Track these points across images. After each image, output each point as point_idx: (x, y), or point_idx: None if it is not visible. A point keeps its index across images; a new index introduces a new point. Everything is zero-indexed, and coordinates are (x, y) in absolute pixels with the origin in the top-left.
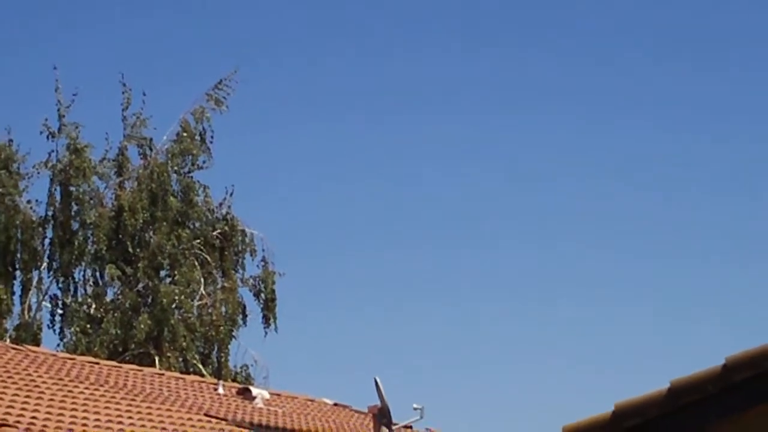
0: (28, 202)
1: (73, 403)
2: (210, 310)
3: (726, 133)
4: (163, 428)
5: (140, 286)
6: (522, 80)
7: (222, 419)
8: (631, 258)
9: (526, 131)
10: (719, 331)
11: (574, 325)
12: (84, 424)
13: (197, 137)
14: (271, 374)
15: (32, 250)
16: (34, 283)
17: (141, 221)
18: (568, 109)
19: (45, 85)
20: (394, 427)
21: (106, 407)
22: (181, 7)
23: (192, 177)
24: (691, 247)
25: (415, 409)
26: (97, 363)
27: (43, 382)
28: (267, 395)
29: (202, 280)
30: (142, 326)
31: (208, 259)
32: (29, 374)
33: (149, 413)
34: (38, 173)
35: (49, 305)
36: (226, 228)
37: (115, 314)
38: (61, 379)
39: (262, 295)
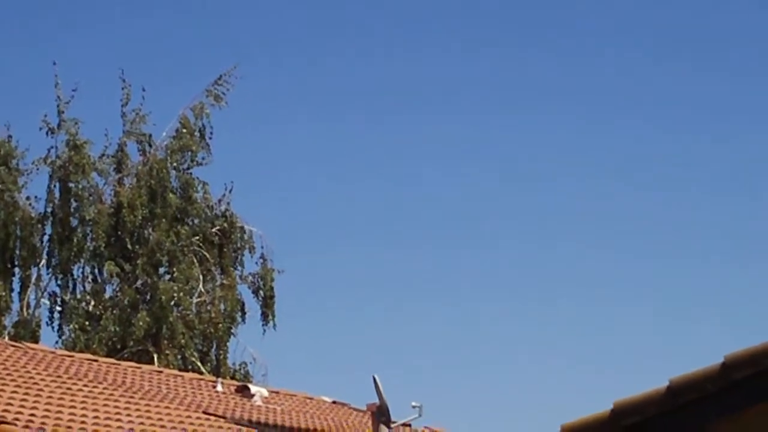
0: (27, 198)
1: (71, 400)
2: (209, 308)
3: (726, 133)
4: (162, 426)
5: (139, 283)
6: (522, 80)
7: (221, 417)
8: (631, 258)
9: (526, 131)
10: (719, 331)
11: (574, 325)
12: (82, 422)
13: (196, 133)
14: (270, 372)
15: (31, 246)
16: (33, 279)
17: (140, 218)
18: (568, 109)
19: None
20: (392, 425)
21: (105, 404)
22: (181, 6)
23: (191, 173)
24: (691, 247)
25: (414, 407)
26: (96, 360)
27: (42, 380)
28: (266, 393)
29: (201, 277)
30: (141, 323)
31: (207, 256)
32: (28, 371)
33: (148, 411)
34: (37, 169)
35: (47, 302)
36: (225, 225)
37: (114, 311)
38: (59, 377)
39: (261, 292)
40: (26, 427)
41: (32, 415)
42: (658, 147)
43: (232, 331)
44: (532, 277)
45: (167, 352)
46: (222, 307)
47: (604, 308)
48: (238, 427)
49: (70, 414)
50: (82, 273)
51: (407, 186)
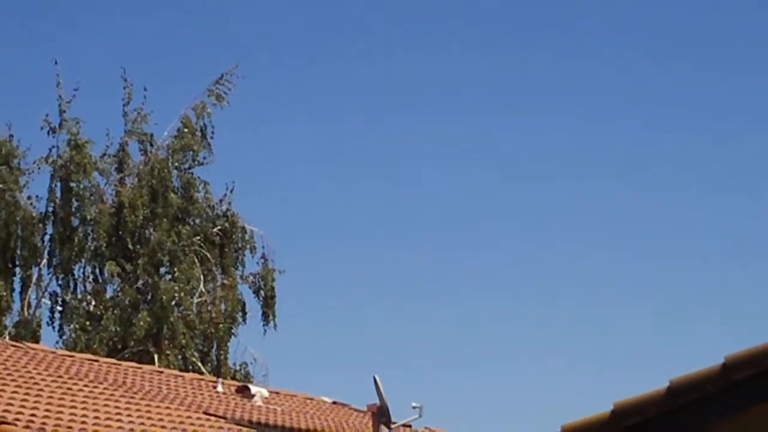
0: (29, 198)
1: (72, 400)
2: (209, 308)
3: (726, 133)
4: (162, 426)
5: (140, 283)
6: (522, 80)
7: (221, 417)
8: (631, 258)
9: (526, 131)
10: (719, 331)
11: (574, 325)
12: (83, 422)
13: (198, 133)
14: (271, 372)
15: (32, 246)
16: (34, 279)
17: (141, 218)
18: (568, 109)
19: (46, 81)
20: (393, 426)
21: (105, 405)
22: (182, 5)
23: (192, 173)
24: (691, 247)
25: (414, 407)
26: (97, 360)
27: (42, 380)
28: (266, 393)
29: (202, 277)
30: (142, 323)
31: (208, 256)
32: (28, 371)
33: (148, 411)
34: (39, 169)
35: (48, 302)
36: (227, 225)
37: (115, 311)
38: (60, 377)
39: (262, 292)
40: (27, 427)
41: (33, 415)
42: (658, 147)
43: (233, 331)
44: (532, 277)
45: (168, 352)
46: (223, 307)
47: (604, 308)
48: (239, 427)
49: (71, 414)
50: (83, 273)
51: (407, 186)
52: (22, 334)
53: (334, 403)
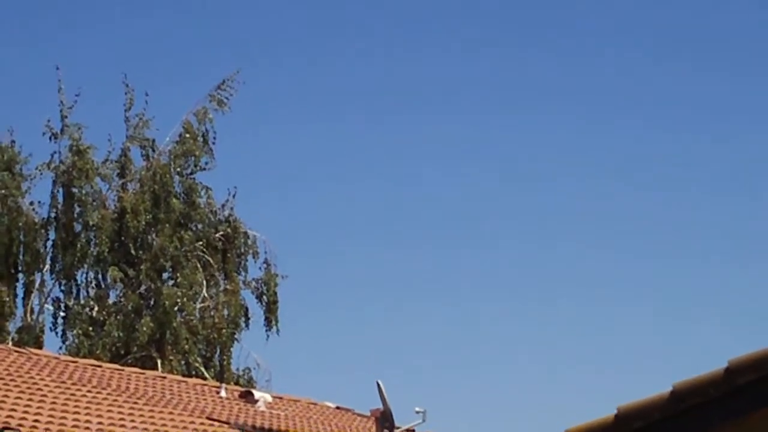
0: (31, 203)
1: (75, 406)
2: (212, 313)
3: (726, 133)
4: (166, 431)
5: (142, 288)
6: (522, 80)
7: (224, 422)
8: (631, 258)
9: (526, 131)
10: (719, 331)
11: (574, 325)
12: (86, 427)
13: (200, 138)
14: (274, 377)
15: (35, 252)
16: (37, 285)
17: (143, 223)
18: (568, 109)
19: (47, 86)
20: (396, 431)
21: (109, 410)
22: (181, 6)
23: (194, 179)
24: (691, 247)
25: (417, 412)
26: (100, 366)
27: (46, 385)
28: (269, 399)
29: (205, 282)
30: (145, 329)
31: (211, 261)
32: (31, 377)
33: (151, 416)
34: (41, 174)
35: (51, 308)
36: (229, 230)
37: (118, 317)
38: (63, 382)
39: (265, 297)
40: None
41: (36, 420)
42: (658, 147)
43: (236, 336)
44: (532, 277)
45: (171, 357)
46: (225, 312)
47: (604, 308)
48: None
49: (74, 420)
50: (86, 278)
51: (407, 186)
52: (25, 340)
53: (338, 408)
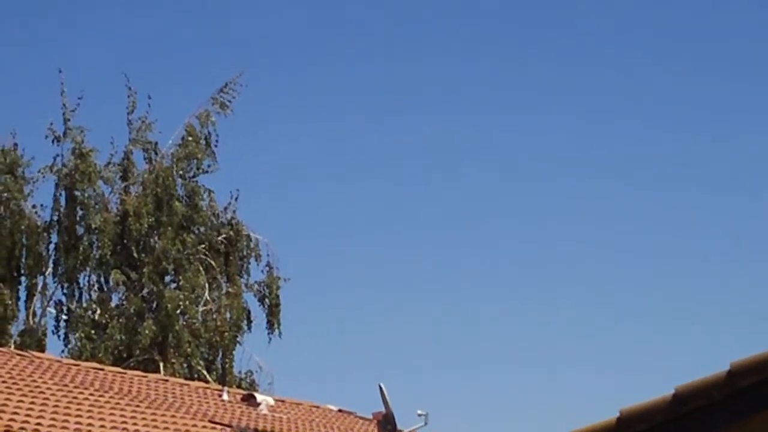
0: (33, 206)
1: (77, 409)
2: (215, 316)
3: (726, 133)
4: None
5: (145, 291)
6: (522, 80)
7: (226, 426)
8: (631, 258)
9: (526, 131)
10: (719, 331)
11: (574, 325)
12: (89, 431)
13: (202, 141)
14: (276, 380)
15: (37, 255)
16: (39, 288)
17: (146, 226)
18: (568, 109)
19: (50, 89)
20: None
21: (111, 413)
22: (180, 6)
23: (197, 181)
24: (691, 247)
25: (420, 415)
26: (102, 369)
27: (48, 388)
28: (272, 402)
29: (207, 285)
30: (147, 332)
31: (213, 264)
32: (34, 380)
33: (154, 419)
34: (43, 178)
35: (53, 311)
36: (231, 233)
37: (120, 320)
38: (65, 385)
39: (267, 300)
40: None
41: (38, 424)
42: (658, 147)
43: (238, 339)
44: (532, 277)
45: (173, 360)
46: (228, 315)
47: (604, 308)
48: None
49: (77, 423)
50: (88, 281)
51: (407, 186)
52: (28, 343)
53: (340, 411)
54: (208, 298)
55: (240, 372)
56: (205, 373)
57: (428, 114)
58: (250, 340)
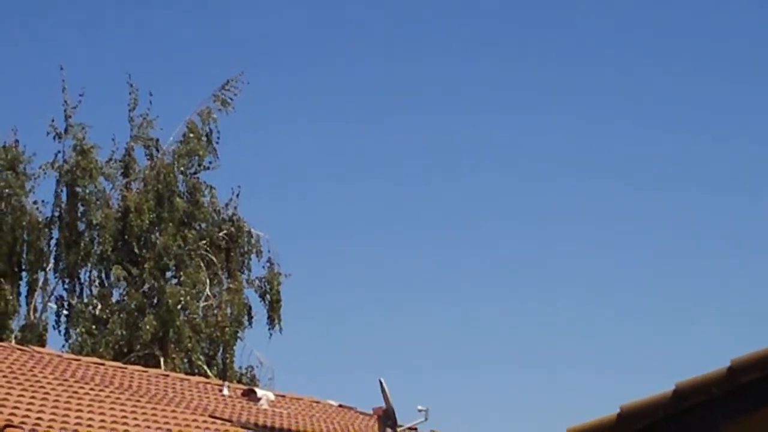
0: (35, 202)
1: (78, 404)
2: (215, 312)
3: (726, 133)
4: (168, 429)
5: (146, 287)
6: (522, 80)
7: (227, 420)
8: (631, 258)
9: (526, 131)
10: (719, 331)
11: (574, 325)
12: (89, 425)
13: (203, 138)
14: (276, 376)
15: (38, 250)
16: (40, 283)
17: (147, 222)
18: (568, 109)
19: (51, 86)
20: (398, 429)
21: (111, 408)
22: (182, 7)
23: (198, 178)
24: (691, 247)
25: (420, 410)
26: (103, 364)
27: (48, 383)
28: (272, 397)
29: (208, 281)
30: (148, 327)
31: (214, 260)
32: (34, 375)
33: (154, 414)
34: (45, 174)
35: (54, 306)
36: (232, 229)
37: (121, 315)
38: (66, 380)
39: (268, 296)
40: (33, 430)
41: (39, 418)
42: (658, 147)
43: (239, 334)
44: (532, 277)
45: (174, 355)
46: (229, 311)
47: (604, 308)
48: (245, 430)
49: (77, 418)
50: (89, 277)
51: (407, 186)
52: (29, 338)
53: (341, 406)
54: (209, 293)
55: (240, 367)
56: (205, 368)
57: (428, 114)
58: (250, 335)
